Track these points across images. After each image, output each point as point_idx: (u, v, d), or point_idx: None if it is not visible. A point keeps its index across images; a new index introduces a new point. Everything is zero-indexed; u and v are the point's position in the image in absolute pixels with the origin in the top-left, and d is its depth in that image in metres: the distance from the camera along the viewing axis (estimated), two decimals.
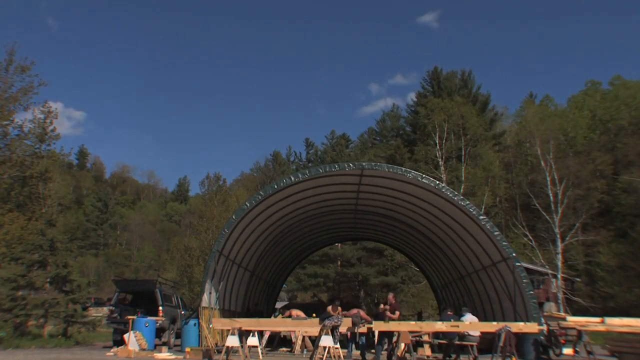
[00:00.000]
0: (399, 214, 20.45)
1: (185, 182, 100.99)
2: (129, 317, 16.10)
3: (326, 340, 11.95)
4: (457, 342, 14.39)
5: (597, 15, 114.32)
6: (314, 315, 14.76)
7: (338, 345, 12.19)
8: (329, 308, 13.39)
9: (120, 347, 14.95)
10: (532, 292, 14.63)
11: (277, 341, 17.74)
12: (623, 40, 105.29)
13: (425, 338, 15.56)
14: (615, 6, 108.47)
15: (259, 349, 13.54)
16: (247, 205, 16.16)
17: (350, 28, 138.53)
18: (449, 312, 15.28)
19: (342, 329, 12.69)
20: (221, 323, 14.10)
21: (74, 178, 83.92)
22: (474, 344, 13.69)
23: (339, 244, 43.42)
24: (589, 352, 13.83)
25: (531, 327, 13.14)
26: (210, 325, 14.34)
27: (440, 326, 13.26)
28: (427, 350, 15.72)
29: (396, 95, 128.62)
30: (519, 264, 15.09)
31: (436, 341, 15.70)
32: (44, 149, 23.27)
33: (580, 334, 14.13)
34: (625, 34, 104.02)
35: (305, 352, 15.83)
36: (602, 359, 14.12)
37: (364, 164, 16.65)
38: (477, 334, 13.67)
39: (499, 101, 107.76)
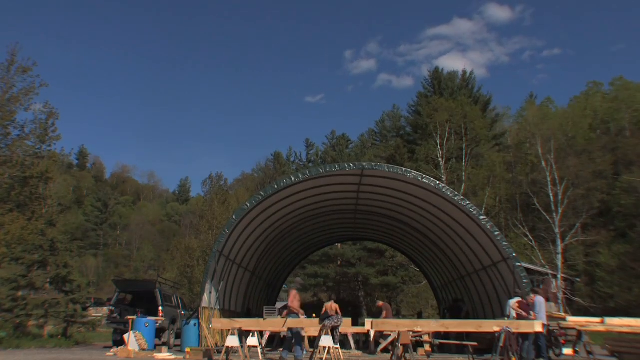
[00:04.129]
0: (399, 214, 20.45)
1: (186, 182, 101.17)
2: (129, 317, 16.09)
3: (326, 341, 11.95)
4: (457, 342, 14.41)
5: (598, 16, 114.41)
6: (314, 315, 14.77)
7: (338, 346, 12.20)
8: (327, 306, 13.41)
9: (120, 347, 14.95)
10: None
11: (277, 341, 17.74)
12: (624, 41, 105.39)
13: (426, 338, 15.58)
14: (616, 8, 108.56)
15: (258, 349, 13.55)
16: (247, 206, 16.16)
17: (350, 28, 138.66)
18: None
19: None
20: (221, 323, 14.10)
21: (74, 178, 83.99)
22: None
23: (339, 244, 43.42)
24: (589, 352, 13.82)
25: (530, 327, 13.11)
26: (210, 326, 14.35)
27: (435, 325, 13.22)
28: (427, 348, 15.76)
29: (397, 96, 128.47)
30: (519, 264, 15.10)
31: (436, 341, 15.71)
32: (44, 149, 23.27)
33: (580, 334, 14.11)
34: (627, 35, 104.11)
35: (304, 352, 15.82)
36: (602, 359, 14.11)
37: (364, 164, 16.67)
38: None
39: (500, 102, 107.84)
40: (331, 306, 13.62)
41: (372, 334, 15.90)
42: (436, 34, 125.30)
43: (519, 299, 13.69)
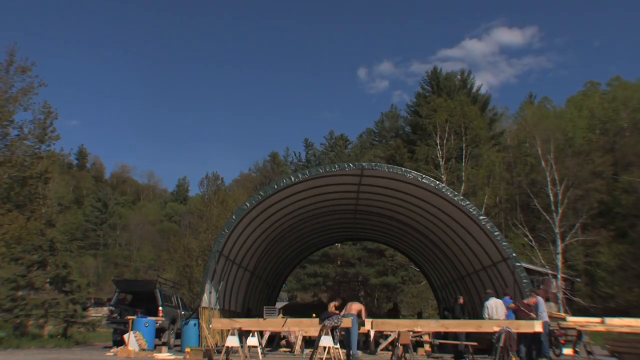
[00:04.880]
0: (399, 214, 20.44)
1: (184, 182, 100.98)
2: (129, 317, 16.08)
3: (326, 341, 11.92)
4: (457, 342, 14.37)
5: (597, 16, 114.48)
6: (314, 315, 14.75)
7: (338, 345, 12.18)
8: (331, 305, 13.41)
9: (120, 347, 14.94)
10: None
11: (277, 341, 17.73)
12: (622, 41, 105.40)
13: (426, 338, 15.58)
14: (615, 7, 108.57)
15: (258, 349, 13.54)
16: (247, 206, 16.15)
17: (350, 28, 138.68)
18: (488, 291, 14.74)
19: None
20: (221, 323, 14.09)
21: (74, 178, 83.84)
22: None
23: (339, 244, 43.41)
24: (589, 353, 13.82)
25: (530, 327, 13.11)
26: (210, 326, 14.34)
27: (435, 325, 13.22)
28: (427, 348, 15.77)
29: (396, 96, 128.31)
30: (519, 264, 15.09)
31: (437, 341, 15.71)
32: (43, 149, 23.26)
33: (580, 334, 14.12)
34: (625, 35, 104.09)
35: (305, 352, 15.82)
36: (602, 359, 14.11)
37: (363, 164, 16.65)
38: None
39: (498, 102, 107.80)
40: (332, 307, 13.58)
41: (372, 334, 15.90)
42: (447, 56, 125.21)
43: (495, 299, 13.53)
